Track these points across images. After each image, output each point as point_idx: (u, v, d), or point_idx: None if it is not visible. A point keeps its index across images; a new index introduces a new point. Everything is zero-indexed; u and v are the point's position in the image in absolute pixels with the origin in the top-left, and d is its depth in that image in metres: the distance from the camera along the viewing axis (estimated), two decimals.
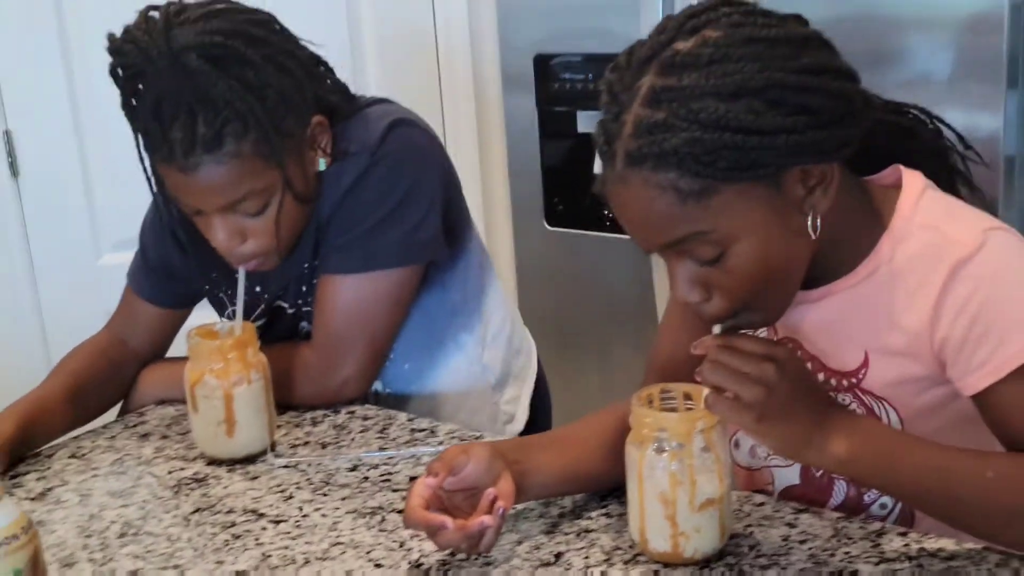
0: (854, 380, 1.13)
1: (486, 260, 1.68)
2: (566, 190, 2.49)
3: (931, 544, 1.08)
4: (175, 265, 1.59)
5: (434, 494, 1.07)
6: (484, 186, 2.65)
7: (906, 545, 1.08)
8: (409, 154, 1.47)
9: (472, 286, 1.63)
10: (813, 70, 0.98)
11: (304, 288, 1.54)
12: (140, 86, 1.32)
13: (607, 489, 1.21)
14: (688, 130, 0.95)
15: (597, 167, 2.54)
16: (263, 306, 1.56)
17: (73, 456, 1.43)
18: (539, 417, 1.76)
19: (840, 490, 1.21)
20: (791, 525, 1.14)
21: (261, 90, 1.32)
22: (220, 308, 1.62)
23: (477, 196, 2.65)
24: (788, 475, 1.23)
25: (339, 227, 1.46)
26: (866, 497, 1.19)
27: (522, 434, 1.68)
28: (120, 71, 1.34)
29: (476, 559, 1.11)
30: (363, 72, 2.56)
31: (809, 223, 1.02)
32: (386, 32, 2.58)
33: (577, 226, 2.48)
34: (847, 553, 1.07)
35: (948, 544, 1.07)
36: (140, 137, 1.36)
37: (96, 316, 2.40)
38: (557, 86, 2.41)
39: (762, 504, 1.18)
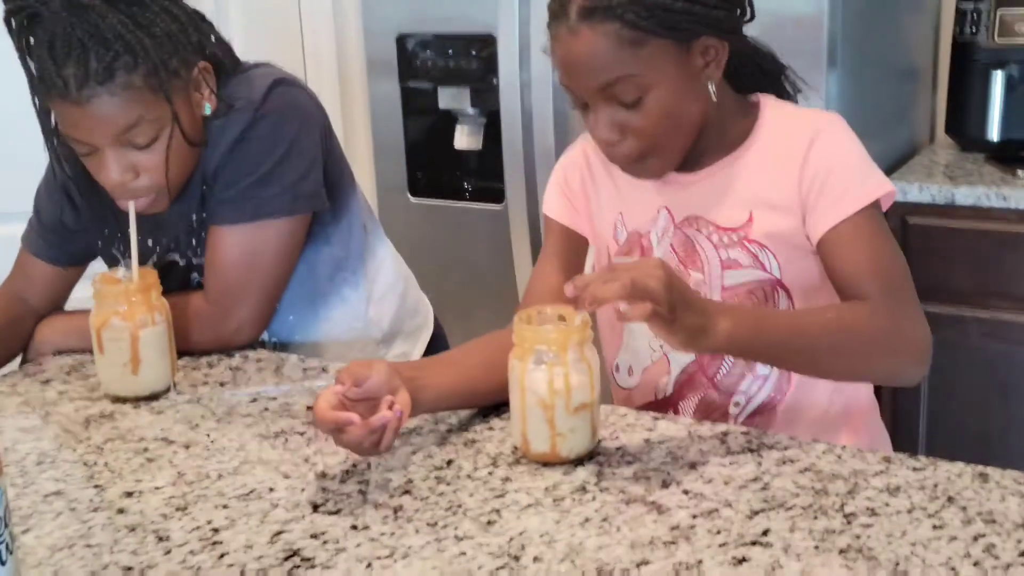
0: (742, 234, 1.37)
1: (372, 223, 1.80)
2: (429, 163, 2.63)
3: (768, 439, 1.26)
4: (68, 224, 1.67)
5: (340, 401, 1.20)
6: (350, 161, 2.75)
7: (748, 440, 1.26)
8: (291, 111, 1.57)
9: (356, 244, 1.74)
10: None
11: (194, 241, 1.63)
12: (35, 29, 1.41)
13: (491, 404, 1.35)
14: None
15: (458, 142, 2.68)
16: (155, 258, 1.65)
17: None
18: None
19: (728, 360, 1.43)
20: (650, 430, 1.30)
21: (149, 27, 1.43)
22: (113, 264, 1.70)
23: None
24: (683, 357, 1.43)
25: (226, 179, 1.55)
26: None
27: None
28: (14, 18, 1.43)
29: (378, 466, 1.24)
30: None
31: (710, 89, 1.31)
32: (250, 11, 2.66)
33: (439, 197, 2.62)
34: (700, 449, 1.25)
35: (783, 439, 1.26)
36: (34, 81, 1.44)
37: None
38: (419, 64, 2.55)
39: (625, 415, 1.35)
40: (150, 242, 1.64)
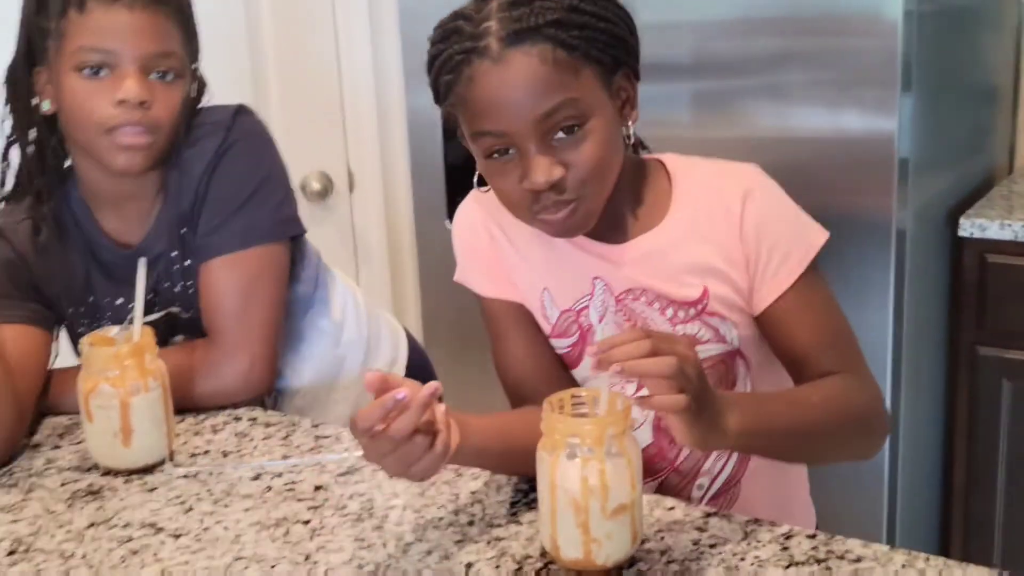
0: (700, 306, 1.24)
1: (316, 250, 1.71)
2: (468, 188, 2.46)
3: (838, 547, 1.08)
4: (36, 291, 1.53)
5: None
6: (386, 185, 2.62)
7: (814, 548, 1.09)
8: (261, 136, 1.54)
9: (318, 276, 1.67)
10: None
11: (167, 285, 1.53)
12: None
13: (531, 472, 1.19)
14: (555, 13, 1.11)
15: None
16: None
17: None
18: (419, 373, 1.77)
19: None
20: (701, 529, 1.14)
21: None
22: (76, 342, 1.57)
23: (379, 195, 2.62)
24: (641, 436, 1.31)
25: (213, 207, 1.48)
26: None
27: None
28: None
29: (388, 567, 1.09)
30: (262, 68, 2.51)
31: (624, 133, 1.20)
32: (285, 27, 2.53)
33: None
34: (757, 557, 1.08)
35: (855, 546, 1.08)
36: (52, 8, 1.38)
37: None
38: None
39: (672, 508, 1.18)
40: (121, 300, 1.54)
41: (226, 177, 1.48)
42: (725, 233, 1.22)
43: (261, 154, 1.52)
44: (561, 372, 1.32)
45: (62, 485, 1.32)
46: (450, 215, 2.48)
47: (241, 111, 1.52)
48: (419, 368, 1.83)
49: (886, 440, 1.26)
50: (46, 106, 1.45)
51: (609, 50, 1.15)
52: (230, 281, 1.49)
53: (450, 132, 2.40)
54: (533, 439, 1.15)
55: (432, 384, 1.04)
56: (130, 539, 1.18)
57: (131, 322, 1.36)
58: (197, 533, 1.19)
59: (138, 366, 1.31)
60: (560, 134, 1.13)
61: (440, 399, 1.08)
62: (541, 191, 1.14)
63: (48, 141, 1.48)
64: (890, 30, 1.91)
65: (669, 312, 1.25)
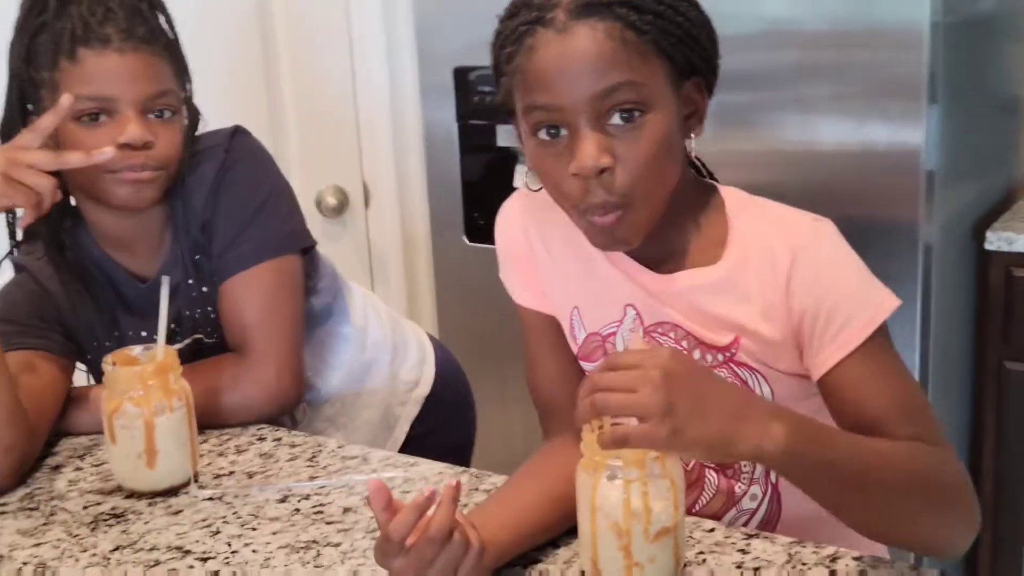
0: (729, 353, 1.15)
1: (329, 262, 1.69)
2: (486, 205, 2.44)
3: (885, 571, 1.05)
4: (60, 324, 1.52)
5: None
6: (402, 200, 2.59)
7: (862, 572, 1.06)
8: (259, 154, 1.54)
9: (335, 287, 1.66)
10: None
11: (187, 313, 1.52)
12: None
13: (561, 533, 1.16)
14: None
15: (517, 181, 2.51)
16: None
17: None
18: (447, 382, 1.81)
19: (711, 483, 1.23)
20: (744, 551, 1.11)
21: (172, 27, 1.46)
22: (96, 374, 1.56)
23: (395, 211, 2.60)
24: None
25: (222, 228, 1.48)
26: (737, 488, 1.22)
27: (429, 398, 1.75)
28: None
29: None
30: (276, 82, 2.49)
31: (687, 146, 1.13)
32: (300, 40, 2.51)
33: None
34: None
35: (902, 567, 1.05)
36: (51, 42, 1.36)
37: None
38: (477, 99, 2.36)
39: (712, 530, 1.15)
40: (144, 333, 1.51)
41: (230, 196, 1.48)
42: (770, 289, 1.12)
43: (262, 170, 1.52)
44: None
45: (85, 508, 1.29)
46: (467, 231, 2.46)
47: (238, 132, 1.52)
48: (452, 373, 1.82)
49: (974, 533, 1.06)
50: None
51: (682, 48, 1.08)
52: (249, 296, 1.48)
53: (467, 147, 2.41)
54: (552, 514, 1.13)
55: (454, 480, 1.01)
56: (157, 563, 1.16)
57: (155, 342, 1.33)
58: (225, 556, 1.16)
59: (162, 386, 1.29)
60: (616, 119, 1.06)
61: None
62: (588, 177, 1.06)
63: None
64: (916, 42, 1.88)
65: (696, 354, 1.17)
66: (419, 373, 1.75)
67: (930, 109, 1.91)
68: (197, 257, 1.49)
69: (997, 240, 2.09)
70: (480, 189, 2.44)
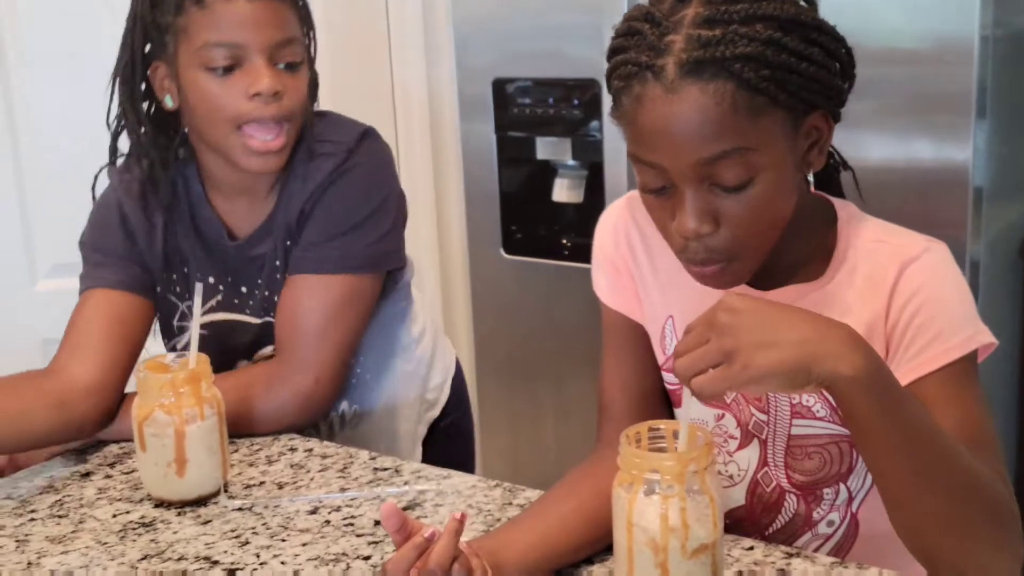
0: None
1: (411, 261, 1.66)
2: (524, 217, 2.43)
3: None
4: (131, 257, 1.50)
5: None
6: (439, 212, 2.58)
7: None
8: (383, 164, 1.50)
9: (409, 294, 1.64)
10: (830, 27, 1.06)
11: (267, 293, 1.50)
12: None
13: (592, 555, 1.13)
14: (748, 45, 0.98)
15: (556, 193, 2.49)
16: (218, 297, 1.51)
17: (8, 497, 1.33)
18: (460, 400, 1.77)
19: (789, 506, 1.20)
20: (783, 571, 1.07)
21: None
22: (166, 325, 1.54)
23: (432, 222, 2.58)
24: (734, 495, 1.21)
25: (315, 227, 1.45)
26: (815, 513, 1.19)
27: (439, 419, 1.71)
28: None
29: None
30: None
31: (802, 178, 1.09)
32: (339, 50, 2.50)
33: (535, 254, 2.42)
34: None
35: None
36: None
37: (32, 346, 2.30)
38: (515, 111, 2.35)
39: (751, 548, 1.12)
40: (212, 279, 1.51)
41: (336, 199, 1.44)
42: (873, 305, 1.10)
43: (377, 183, 1.48)
44: (660, 406, 1.24)
45: (114, 516, 1.27)
46: (505, 244, 2.44)
47: (367, 135, 1.49)
48: (461, 401, 1.78)
49: (1018, 570, 1.01)
50: (169, 103, 1.43)
51: (803, 93, 1.01)
52: (314, 301, 1.45)
53: (506, 159, 2.40)
54: (586, 533, 1.10)
55: (458, 513, 0.99)
56: (185, 573, 1.14)
57: (188, 347, 1.32)
58: (254, 567, 1.14)
59: (194, 393, 1.27)
60: (720, 185, 1.02)
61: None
62: (689, 239, 1.04)
63: (161, 138, 1.46)
64: (965, 56, 1.85)
65: None
66: (437, 395, 1.72)
67: (978, 124, 1.87)
68: (288, 243, 1.47)
69: None
70: (518, 201, 2.43)
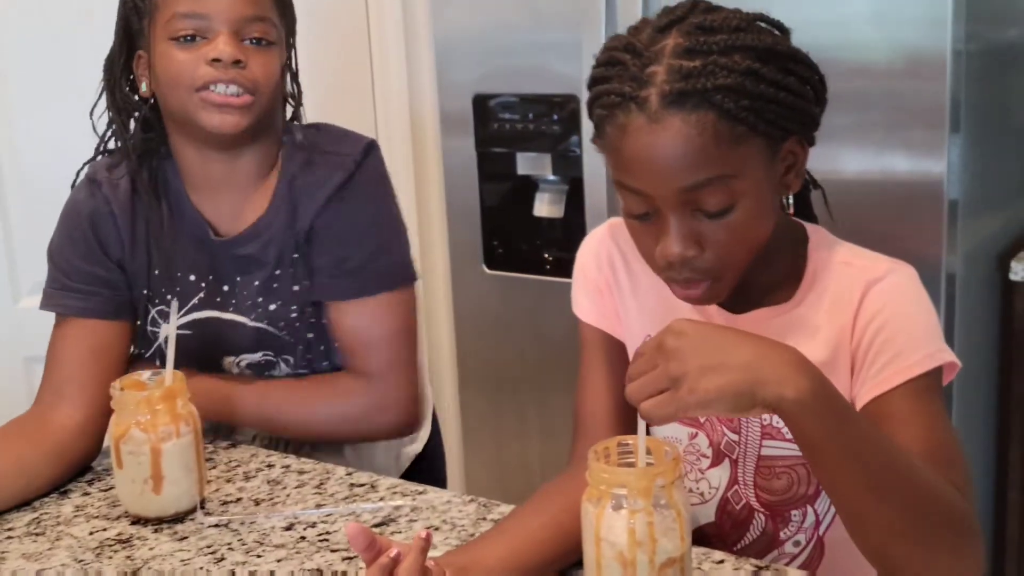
0: None
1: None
2: (506, 232, 2.44)
3: None
4: (105, 277, 1.49)
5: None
6: (421, 227, 2.59)
7: None
8: (384, 180, 1.52)
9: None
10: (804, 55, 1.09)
11: (261, 299, 1.49)
12: None
13: (561, 569, 1.14)
14: (728, 77, 1.01)
15: (537, 208, 2.49)
16: (201, 295, 1.51)
17: None
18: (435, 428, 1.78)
19: (757, 524, 1.21)
20: None
21: None
22: (143, 319, 1.53)
23: (414, 237, 2.58)
24: (705, 512, 1.23)
25: (342, 246, 1.46)
26: (782, 533, 1.21)
27: (420, 456, 1.70)
28: None
29: None
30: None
31: (780, 201, 1.13)
32: (320, 66, 2.52)
33: (517, 269, 2.42)
34: None
35: None
36: None
37: (14, 364, 2.30)
38: (496, 127, 2.36)
39: (721, 562, 1.13)
40: (192, 277, 1.50)
41: (349, 218, 1.45)
42: (840, 326, 1.12)
43: (385, 197, 1.51)
44: (636, 424, 1.25)
45: (91, 533, 1.28)
46: (486, 259, 2.45)
47: (372, 149, 1.50)
48: (438, 445, 1.80)
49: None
50: (144, 88, 1.44)
51: (780, 120, 1.04)
52: (373, 323, 1.47)
53: (487, 174, 2.41)
54: (556, 548, 1.11)
55: (424, 531, 1.00)
56: None
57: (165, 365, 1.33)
58: None
59: (170, 411, 1.28)
60: (702, 210, 1.05)
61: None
62: (673, 263, 1.07)
63: (145, 125, 1.48)
64: (938, 71, 1.86)
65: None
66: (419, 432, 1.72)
67: (952, 138, 1.89)
68: (296, 255, 1.47)
69: (1022, 270, 2.06)
70: (499, 216, 2.44)
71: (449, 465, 2.76)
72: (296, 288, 1.48)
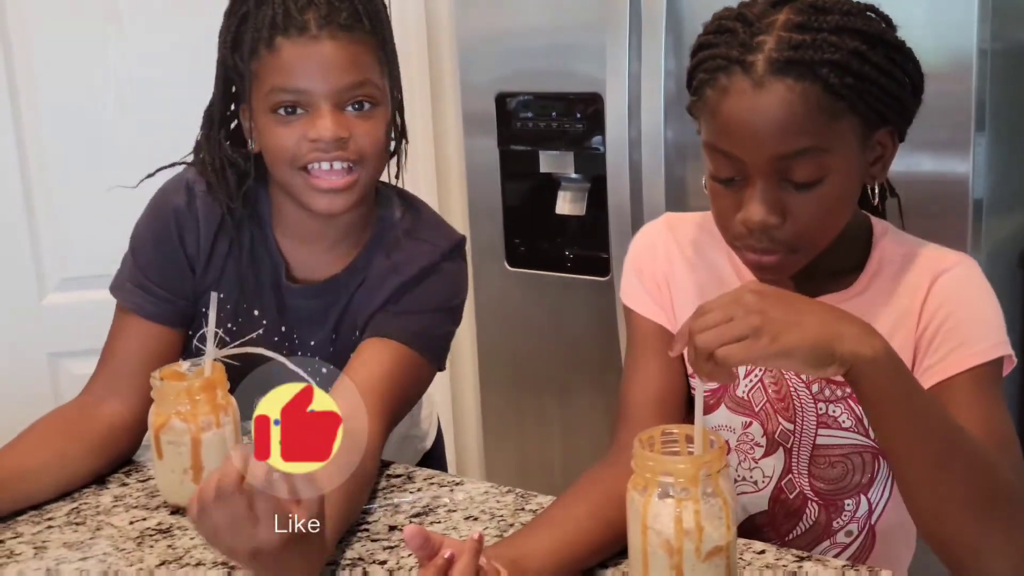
0: (849, 389, 1.14)
1: None
2: (528, 230, 2.45)
3: None
4: (179, 282, 1.47)
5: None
6: None
7: None
8: (462, 276, 1.50)
9: None
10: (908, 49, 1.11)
11: (316, 358, 1.46)
12: None
13: (607, 557, 1.14)
14: (836, 53, 1.03)
15: (559, 206, 2.49)
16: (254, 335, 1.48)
17: (28, 507, 1.34)
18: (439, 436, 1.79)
19: (811, 514, 1.22)
20: (795, 574, 1.09)
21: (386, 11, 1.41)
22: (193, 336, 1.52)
23: None
24: (757, 501, 1.24)
25: (401, 303, 1.42)
26: (835, 523, 1.22)
27: (428, 454, 1.72)
28: None
29: None
30: None
31: (868, 189, 1.17)
32: None
33: (539, 267, 2.44)
34: None
35: None
36: (252, 30, 1.33)
37: (39, 361, 2.32)
38: (518, 125, 2.37)
39: (763, 552, 1.14)
40: (256, 312, 1.48)
41: (426, 289, 1.43)
42: (905, 314, 1.14)
43: (461, 288, 1.49)
44: (682, 416, 1.25)
45: (131, 523, 1.29)
46: (508, 257, 2.46)
47: (460, 245, 1.49)
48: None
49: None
50: (251, 146, 1.41)
51: (879, 105, 1.07)
52: (390, 363, 1.38)
53: (509, 172, 2.42)
54: (601, 537, 1.12)
55: (477, 532, 1.00)
56: None
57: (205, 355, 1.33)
58: None
59: (209, 401, 1.29)
60: (791, 181, 1.07)
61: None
62: (753, 230, 1.09)
63: (243, 180, 1.44)
64: (964, 70, 1.87)
65: (815, 387, 1.19)
66: (426, 428, 1.72)
67: (978, 137, 1.89)
68: (358, 333, 1.45)
69: None
70: (521, 215, 2.45)
71: (469, 462, 2.79)
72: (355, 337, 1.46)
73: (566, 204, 2.36)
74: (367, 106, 1.35)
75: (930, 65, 1.86)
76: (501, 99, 2.38)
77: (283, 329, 1.49)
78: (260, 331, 1.48)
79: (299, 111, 1.33)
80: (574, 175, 2.34)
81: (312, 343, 1.48)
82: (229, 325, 1.48)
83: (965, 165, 1.90)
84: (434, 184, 2.59)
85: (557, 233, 2.40)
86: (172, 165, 1.49)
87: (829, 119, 1.04)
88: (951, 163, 1.91)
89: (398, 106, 1.44)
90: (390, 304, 1.42)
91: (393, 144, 1.46)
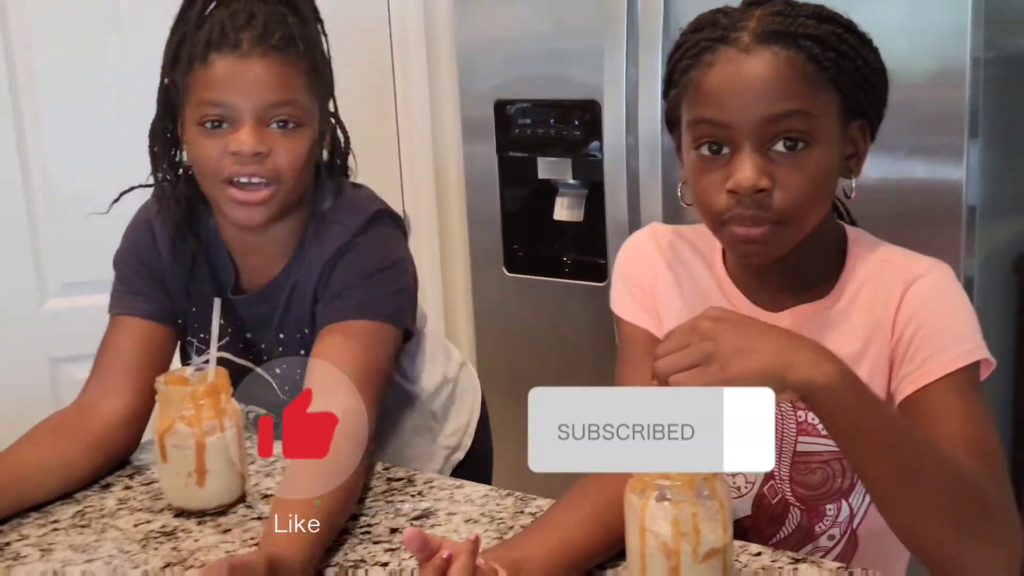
0: None
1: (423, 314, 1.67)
2: (526, 236, 2.47)
3: None
4: (161, 279, 1.51)
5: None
6: (442, 231, 2.62)
7: None
8: (389, 238, 1.50)
9: (417, 347, 1.64)
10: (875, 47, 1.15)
11: (266, 358, 1.52)
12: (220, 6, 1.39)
13: (605, 560, 1.16)
14: (817, 30, 1.09)
15: (558, 213, 2.51)
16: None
17: (31, 508, 1.36)
18: (484, 433, 1.80)
19: (793, 519, 1.24)
20: None
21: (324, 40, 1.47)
22: (185, 356, 1.57)
23: (434, 242, 2.62)
24: (741, 506, 1.25)
25: (331, 285, 1.44)
26: (817, 527, 1.23)
27: (463, 462, 1.71)
28: None
29: None
30: None
31: (846, 185, 1.18)
32: (343, 74, 2.54)
33: (537, 272, 2.46)
34: None
35: None
36: (186, 51, 1.37)
37: (40, 366, 2.33)
38: (517, 132, 2.39)
39: (759, 554, 1.15)
40: (234, 327, 1.52)
41: (346, 265, 1.44)
42: (879, 323, 1.16)
43: (387, 250, 1.47)
44: None
45: (135, 526, 1.31)
46: (507, 263, 2.48)
47: (374, 219, 1.48)
48: (483, 424, 1.82)
49: (1018, 563, 1.03)
50: (183, 158, 1.45)
51: (857, 89, 1.11)
52: (345, 345, 1.39)
53: (508, 179, 2.44)
54: (600, 540, 1.13)
55: (474, 534, 1.01)
56: None
57: (208, 361, 1.35)
58: None
59: (213, 406, 1.30)
60: (780, 146, 1.09)
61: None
62: (743, 195, 1.09)
63: (186, 192, 1.48)
64: (957, 78, 1.89)
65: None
66: (459, 439, 1.73)
67: (971, 144, 1.91)
68: (307, 331, 1.48)
69: None
70: (520, 220, 2.47)
71: None
72: (303, 352, 1.49)
73: (564, 210, 2.38)
74: (291, 125, 1.38)
75: (924, 73, 1.93)
76: (500, 106, 2.40)
77: (248, 336, 1.53)
78: (227, 339, 1.51)
79: (224, 125, 1.37)
80: (572, 181, 2.36)
81: (263, 346, 1.52)
82: (202, 335, 1.52)
83: (959, 172, 1.91)
84: (433, 190, 2.60)
85: (555, 239, 2.42)
86: (131, 189, 1.53)
87: (814, 87, 1.08)
88: (945, 170, 1.93)
89: (332, 130, 1.49)
90: (320, 292, 1.45)
91: (338, 162, 1.51)
